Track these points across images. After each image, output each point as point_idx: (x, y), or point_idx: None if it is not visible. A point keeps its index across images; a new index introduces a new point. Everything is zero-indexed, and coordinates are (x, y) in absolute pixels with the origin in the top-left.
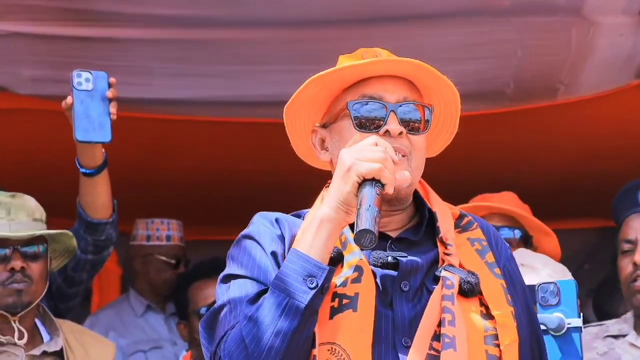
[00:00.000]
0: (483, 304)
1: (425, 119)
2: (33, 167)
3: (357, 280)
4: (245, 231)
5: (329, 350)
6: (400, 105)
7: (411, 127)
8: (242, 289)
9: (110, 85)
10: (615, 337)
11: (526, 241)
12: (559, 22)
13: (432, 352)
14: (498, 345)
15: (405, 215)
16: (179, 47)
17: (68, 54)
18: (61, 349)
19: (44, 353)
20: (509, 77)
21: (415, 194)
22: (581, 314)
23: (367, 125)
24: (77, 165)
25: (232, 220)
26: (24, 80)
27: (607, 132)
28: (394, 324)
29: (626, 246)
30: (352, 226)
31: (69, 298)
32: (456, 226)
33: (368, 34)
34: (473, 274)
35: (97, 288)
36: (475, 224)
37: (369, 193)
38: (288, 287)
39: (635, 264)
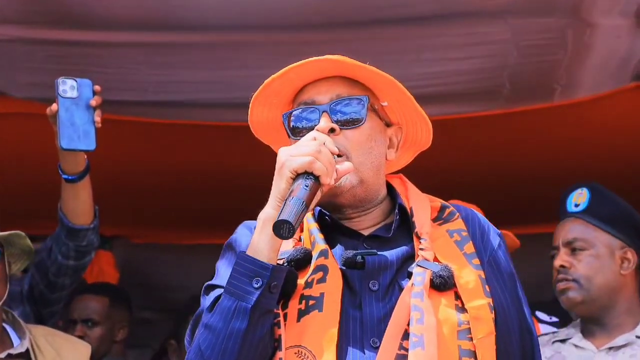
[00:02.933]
0: (459, 297)
1: (360, 110)
2: (32, 169)
3: (322, 280)
4: (228, 240)
5: (296, 353)
6: (332, 104)
7: (347, 122)
8: (212, 298)
9: (94, 93)
10: (563, 341)
11: None
12: (555, 23)
13: (402, 351)
14: (472, 339)
15: (378, 212)
16: (174, 51)
17: (63, 61)
18: (27, 351)
19: (9, 356)
20: (505, 78)
21: (393, 190)
22: None
23: (301, 131)
24: (59, 171)
25: (228, 224)
26: (21, 84)
27: (604, 134)
28: (362, 325)
29: (552, 252)
30: (320, 226)
31: (52, 303)
32: (438, 218)
33: (365, 36)
34: (446, 267)
35: None
36: (457, 214)
37: (298, 185)
38: (236, 290)
39: (556, 268)
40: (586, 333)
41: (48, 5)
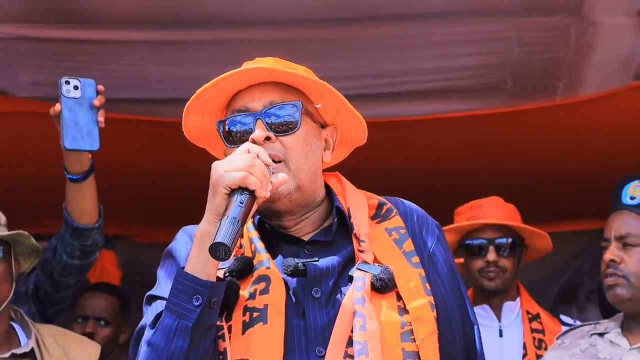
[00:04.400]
0: (400, 297)
1: (294, 114)
2: (36, 168)
3: (265, 291)
4: (167, 247)
5: None
6: (266, 111)
7: (281, 129)
8: (153, 312)
9: (98, 93)
10: (601, 334)
11: (518, 243)
12: (558, 21)
13: (347, 359)
14: (415, 340)
15: (317, 216)
16: (177, 48)
17: (66, 58)
18: (32, 351)
19: (13, 355)
20: (508, 75)
21: (330, 191)
22: None
23: (239, 138)
24: (64, 171)
25: None
26: (23, 84)
27: (606, 133)
28: (307, 334)
29: (603, 244)
30: (261, 235)
31: (56, 302)
32: (375, 216)
33: (367, 32)
34: (387, 269)
35: None
36: (395, 211)
37: (232, 202)
38: (177, 307)
39: (605, 262)
40: (625, 329)
41: (50, 3)
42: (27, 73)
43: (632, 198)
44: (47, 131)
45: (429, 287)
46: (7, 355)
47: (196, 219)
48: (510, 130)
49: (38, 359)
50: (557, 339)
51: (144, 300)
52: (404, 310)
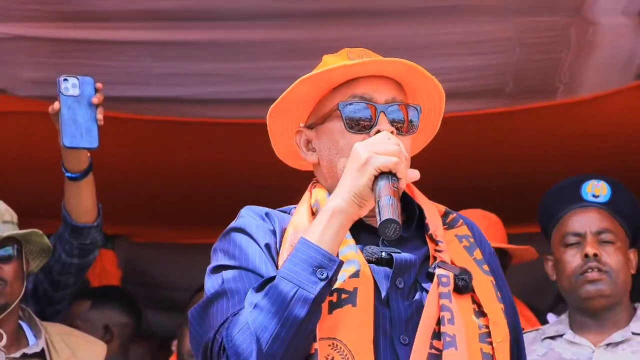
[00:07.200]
0: (475, 301)
1: (410, 120)
2: (34, 168)
3: (355, 275)
4: (234, 224)
5: (330, 345)
6: (390, 106)
7: (398, 128)
8: (238, 278)
9: (96, 91)
10: (553, 337)
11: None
12: (559, 21)
13: (433, 350)
14: (491, 343)
15: None
16: (177, 47)
17: (67, 55)
18: (42, 350)
19: (24, 355)
20: (508, 75)
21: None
22: None
23: (357, 125)
24: (62, 169)
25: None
26: (24, 82)
27: (606, 132)
28: (392, 321)
29: (572, 239)
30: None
31: (55, 302)
32: (443, 223)
33: (368, 29)
34: (467, 270)
35: None
36: (461, 220)
37: (388, 185)
38: (297, 276)
39: (586, 256)
40: (577, 329)
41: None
42: (27, 71)
43: (594, 196)
44: (47, 130)
45: (499, 295)
46: (18, 355)
47: (197, 217)
48: (508, 130)
49: (48, 359)
50: None
51: (207, 272)
52: (479, 313)
